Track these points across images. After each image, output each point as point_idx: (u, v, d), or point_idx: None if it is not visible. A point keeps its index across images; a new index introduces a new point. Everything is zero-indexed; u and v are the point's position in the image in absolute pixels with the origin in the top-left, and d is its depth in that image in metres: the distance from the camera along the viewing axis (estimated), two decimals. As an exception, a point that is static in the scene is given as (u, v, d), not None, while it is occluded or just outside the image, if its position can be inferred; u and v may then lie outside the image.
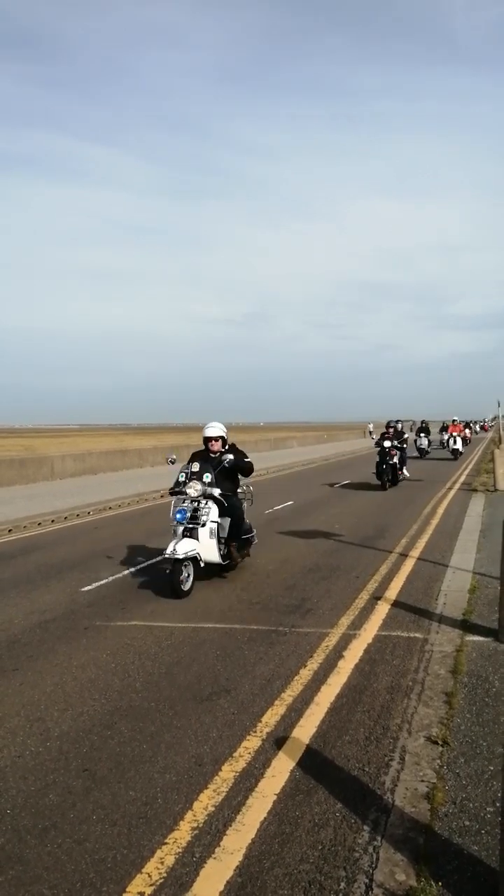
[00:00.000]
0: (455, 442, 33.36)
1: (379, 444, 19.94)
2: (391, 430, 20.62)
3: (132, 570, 9.12)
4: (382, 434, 20.38)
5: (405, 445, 20.78)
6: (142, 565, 9.40)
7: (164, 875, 2.97)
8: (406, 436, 20.92)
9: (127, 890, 2.89)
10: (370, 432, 72.65)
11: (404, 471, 20.77)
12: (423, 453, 34.92)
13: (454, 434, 33.55)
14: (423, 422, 38.04)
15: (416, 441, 35.16)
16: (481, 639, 5.95)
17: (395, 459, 19.70)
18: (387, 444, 19.65)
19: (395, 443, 19.90)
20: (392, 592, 7.69)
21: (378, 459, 19.40)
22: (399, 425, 21.41)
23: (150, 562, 9.60)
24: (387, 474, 19.13)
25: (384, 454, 19.39)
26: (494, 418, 55.24)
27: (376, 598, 7.47)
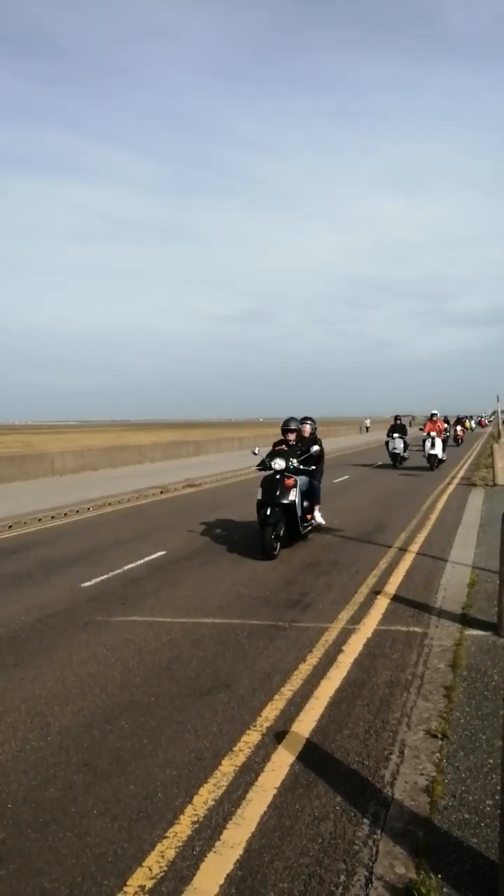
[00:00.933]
0: (432, 445, 24.19)
1: (266, 465, 10.31)
2: (292, 435, 10.81)
3: (132, 565, 9.12)
4: (275, 446, 10.69)
5: (314, 466, 10.83)
6: (141, 561, 9.40)
7: (165, 868, 2.98)
8: (315, 449, 10.66)
9: (128, 883, 2.90)
10: (367, 427, 71.46)
11: (316, 514, 10.97)
12: (397, 460, 25.47)
13: (432, 434, 24.59)
14: (396, 417, 27.40)
15: (387, 444, 26.05)
16: (481, 633, 5.96)
17: (293, 496, 9.76)
18: (278, 464, 9.99)
19: (294, 463, 10.18)
20: (391, 587, 7.70)
21: (260, 496, 9.77)
22: (309, 426, 11.57)
23: (149, 557, 9.60)
24: (273, 526, 9.44)
25: (273, 484, 9.77)
26: (493, 413, 53.84)
27: (376, 592, 7.48)
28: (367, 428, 70.67)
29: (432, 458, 24.11)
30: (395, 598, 7.22)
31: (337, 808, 3.40)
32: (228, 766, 3.83)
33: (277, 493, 9.66)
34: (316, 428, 11.87)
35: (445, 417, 43.70)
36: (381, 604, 7.04)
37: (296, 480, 9.96)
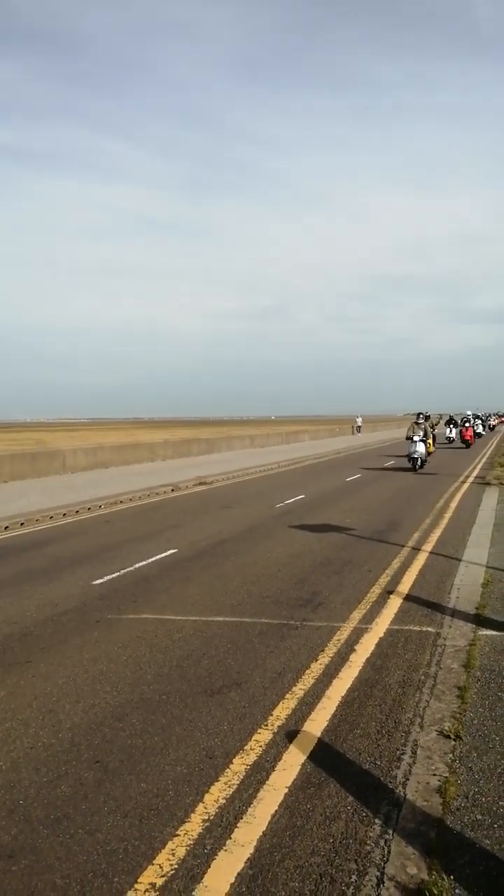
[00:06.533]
0: None
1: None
2: None
3: (143, 563, 9.13)
4: None
5: None
6: (152, 559, 9.42)
7: (176, 867, 2.97)
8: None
9: (139, 881, 2.89)
10: (358, 428, 65.69)
11: None
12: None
13: None
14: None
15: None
16: (494, 633, 5.91)
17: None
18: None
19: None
20: (404, 586, 7.65)
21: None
22: None
23: (160, 555, 9.61)
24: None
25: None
26: None
27: (388, 592, 7.44)
28: (358, 428, 64.57)
29: None
30: (408, 598, 7.17)
31: (348, 807, 3.38)
32: (240, 765, 3.82)
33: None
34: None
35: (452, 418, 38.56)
36: (394, 603, 7.00)
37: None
